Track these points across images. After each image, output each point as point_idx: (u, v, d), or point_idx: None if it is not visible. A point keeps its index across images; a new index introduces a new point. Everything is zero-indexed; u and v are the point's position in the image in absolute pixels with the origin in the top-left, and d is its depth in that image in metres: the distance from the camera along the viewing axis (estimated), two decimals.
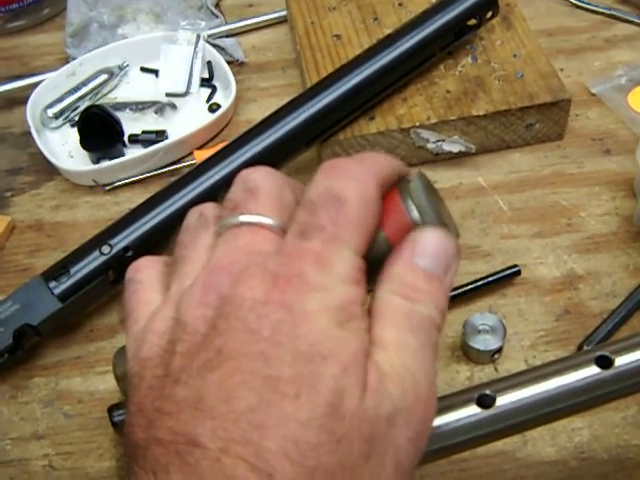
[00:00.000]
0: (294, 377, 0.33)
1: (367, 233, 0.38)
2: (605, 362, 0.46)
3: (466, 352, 0.67)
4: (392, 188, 0.41)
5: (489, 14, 0.82)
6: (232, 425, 0.33)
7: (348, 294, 0.36)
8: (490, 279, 0.70)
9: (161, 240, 0.69)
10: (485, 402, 0.45)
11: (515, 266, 0.71)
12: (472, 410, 0.45)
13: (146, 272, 0.43)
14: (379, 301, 0.38)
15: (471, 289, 0.69)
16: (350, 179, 0.38)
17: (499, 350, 0.66)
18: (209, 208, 0.42)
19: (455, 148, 0.78)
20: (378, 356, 0.37)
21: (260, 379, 0.33)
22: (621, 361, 0.46)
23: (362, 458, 0.34)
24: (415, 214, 0.40)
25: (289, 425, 0.33)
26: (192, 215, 0.43)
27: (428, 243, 0.39)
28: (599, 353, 0.47)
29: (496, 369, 0.66)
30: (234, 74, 0.87)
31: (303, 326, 0.34)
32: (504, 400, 0.46)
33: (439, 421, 0.45)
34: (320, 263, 0.36)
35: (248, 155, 0.72)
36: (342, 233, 0.37)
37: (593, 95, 0.86)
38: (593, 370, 0.46)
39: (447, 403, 0.46)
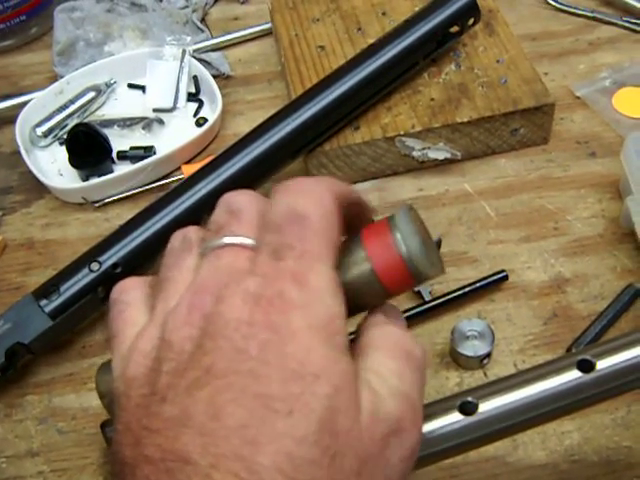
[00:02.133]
0: (286, 395, 0.34)
1: (332, 244, 0.39)
2: (587, 366, 0.47)
3: (455, 358, 0.67)
4: (382, 220, 0.42)
5: (471, 21, 0.82)
6: (223, 441, 0.33)
7: (330, 308, 0.37)
8: (478, 285, 0.70)
9: (150, 256, 0.69)
10: (467, 409, 0.46)
11: (502, 271, 0.71)
12: (455, 417, 0.46)
13: (132, 293, 0.43)
14: (372, 328, 0.40)
15: (459, 295, 0.70)
16: (307, 195, 0.39)
17: (488, 355, 0.66)
18: (192, 231, 0.43)
19: (441, 155, 0.79)
20: (373, 379, 0.38)
21: (250, 396, 0.34)
22: (602, 364, 0.47)
23: (353, 475, 0.35)
24: (402, 248, 0.40)
25: (283, 441, 0.33)
26: (176, 238, 0.43)
27: None
28: (580, 357, 0.47)
29: (485, 374, 0.66)
30: (220, 88, 0.88)
31: (291, 345, 0.35)
32: (487, 406, 0.46)
33: (424, 429, 0.45)
34: (297, 280, 0.37)
35: (235, 168, 0.73)
36: (311, 248, 0.37)
37: (577, 98, 0.86)
38: (575, 374, 0.47)
39: (431, 411, 0.46)
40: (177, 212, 0.71)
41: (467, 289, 0.70)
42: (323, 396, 0.34)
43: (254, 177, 0.74)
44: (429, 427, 0.45)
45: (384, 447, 0.36)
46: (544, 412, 0.47)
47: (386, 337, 0.41)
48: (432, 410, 0.46)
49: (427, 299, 0.70)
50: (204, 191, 0.72)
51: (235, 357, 0.35)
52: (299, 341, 0.35)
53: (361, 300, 0.42)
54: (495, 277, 0.71)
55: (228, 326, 0.35)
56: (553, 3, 0.96)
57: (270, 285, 0.36)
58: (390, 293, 0.42)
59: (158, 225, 0.70)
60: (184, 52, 0.89)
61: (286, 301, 0.36)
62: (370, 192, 0.80)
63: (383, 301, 0.44)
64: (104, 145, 0.82)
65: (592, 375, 0.46)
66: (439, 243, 0.73)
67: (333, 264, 0.38)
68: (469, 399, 0.46)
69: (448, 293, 0.70)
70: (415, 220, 0.42)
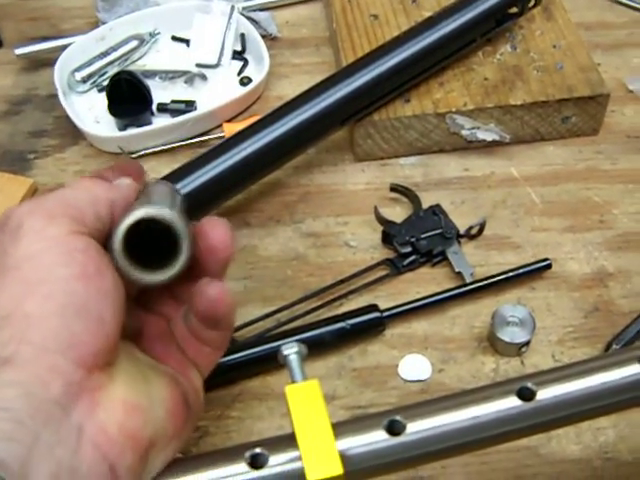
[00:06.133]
0: None
1: None
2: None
3: (493, 343, 0.66)
4: None
5: (531, 3, 0.80)
6: None
7: None
8: (520, 271, 0.69)
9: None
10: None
11: (546, 259, 0.69)
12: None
13: None
14: None
15: (500, 280, 0.68)
16: None
17: (527, 343, 0.65)
18: None
19: (489, 137, 0.77)
20: None
21: None
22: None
23: None
24: None
25: None
26: None
27: None
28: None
29: (522, 362, 0.65)
30: (267, 48, 0.86)
31: None
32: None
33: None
34: None
35: (279, 132, 0.71)
36: None
37: (630, 92, 0.85)
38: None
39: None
40: (217, 171, 0.69)
41: (509, 274, 0.69)
42: None
43: (299, 142, 0.73)
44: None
45: None
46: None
47: None
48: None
49: (468, 281, 0.68)
50: (248, 151, 0.70)
51: None
52: None
53: None
54: (538, 265, 0.69)
55: None
56: None
57: None
58: None
59: (197, 183, 0.68)
60: (232, 8, 0.87)
61: None
62: (415, 168, 0.78)
63: None
64: (145, 95, 0.80)
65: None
66: (483, 225, 0.72)
67: None
68: (528, 385, 0.45)
69: (489, 277, 0.68)
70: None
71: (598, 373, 0.47)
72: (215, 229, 0.47)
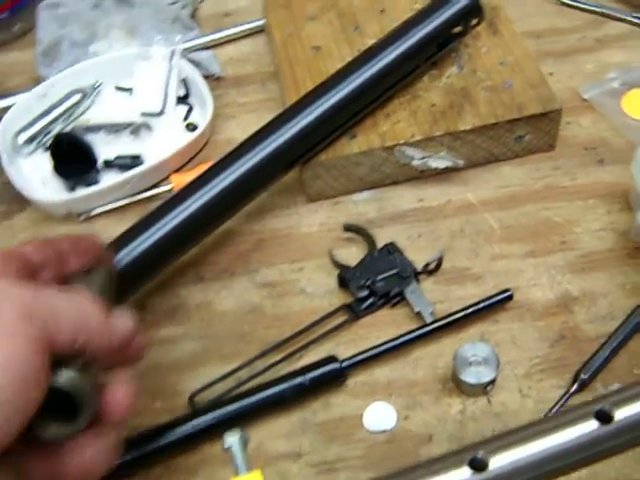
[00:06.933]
0: None
1: None
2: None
3: (457, 385, 0.64)
4: None
5: (474, 21, 0.78)
6: None
7: None
8: (480, 306, 0.67)
9: (134, 279, 0.66)
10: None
11: (507, 290, 0.68)
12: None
13: None
14: None
15: (461, 317, 0.66)
16: None
17: (492, 382, 0.63)
18: None
19: (442, 164, 0.75)
20: None
21: None
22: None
23: None
24: None
25: None
26: None
27: None
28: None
29: (489, 401, 0.63)
30: (211, 90, 0.84)
31: None
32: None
33: None
34: None
35: (228, 181, 0.69)
36: None
37: (585, 101, 0.82)
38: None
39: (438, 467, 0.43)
40: (164, 232, 0.67)
41: (469, 310, 0.67)
42: None
43: (248, 189, 0.71)
44: None
45: None
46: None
47: None
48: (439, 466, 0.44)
49: (428, 321, 0.66)
50: (194, 207, 0.68)
51: None
52: None
53: None
54: (499, 297, 0.67)
55: None
56: None
57: None
58: None
59: (145, 245, 0.67)
60: (173, 52, 0.85)
61: None
62: (368, 203, 0.76)
63: None
64: (88, 154, 0.78)
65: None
66: (440, 259, 0.70)
67: None
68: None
69: (450, 314, 0.67)
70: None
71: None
72: (117, 395, 0.49)
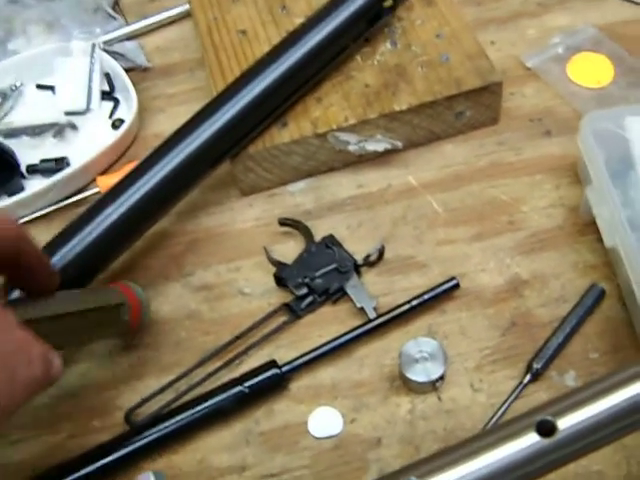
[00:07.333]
0: None
1: None
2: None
3: (405, 383, 0.61)
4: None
5: None
6: None
7: None
8: (426, 297, 0.63)
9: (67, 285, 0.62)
10: None
11: (453, 278, 0.64)
12: None
13: None
14: None
15: (406, 310, 0.63)
16: None
17: (441, 377, 0.60)
18: None
19: (380, 147, 0.71)
20: None
21: None
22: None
23: None
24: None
25: None
26: None
27: None
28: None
29: (440, 398, 0.60)
30: (138, 82, 0.80)
31: None
32: None
33: None
34: None
35: (151, 184, 0.65)
36: None
37: (528, 69, 0.79)
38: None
39: None
40: (91, 238, 0.63)
41: (414, 303, 0.63)
42: None
43: (177, 188, 0.67)
44: None
45: None
46: None
47: None
48: None
49: (371, 317, 0.63)
50: (121, 209, 0.64)
51: None
52: None
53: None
54: (445, 286, 0.64)
55: None
56: None
57: None
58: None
59: (72, 254, 0.63)
60: (94, 46, 0.80)
61: None
62: (305, 193, 0.72)
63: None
64: (10, 161, 0.74)
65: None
66: (382, 250, 0.66)
67: None
68: None
69: (394, 308, 0.63)
70: None
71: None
72: None
